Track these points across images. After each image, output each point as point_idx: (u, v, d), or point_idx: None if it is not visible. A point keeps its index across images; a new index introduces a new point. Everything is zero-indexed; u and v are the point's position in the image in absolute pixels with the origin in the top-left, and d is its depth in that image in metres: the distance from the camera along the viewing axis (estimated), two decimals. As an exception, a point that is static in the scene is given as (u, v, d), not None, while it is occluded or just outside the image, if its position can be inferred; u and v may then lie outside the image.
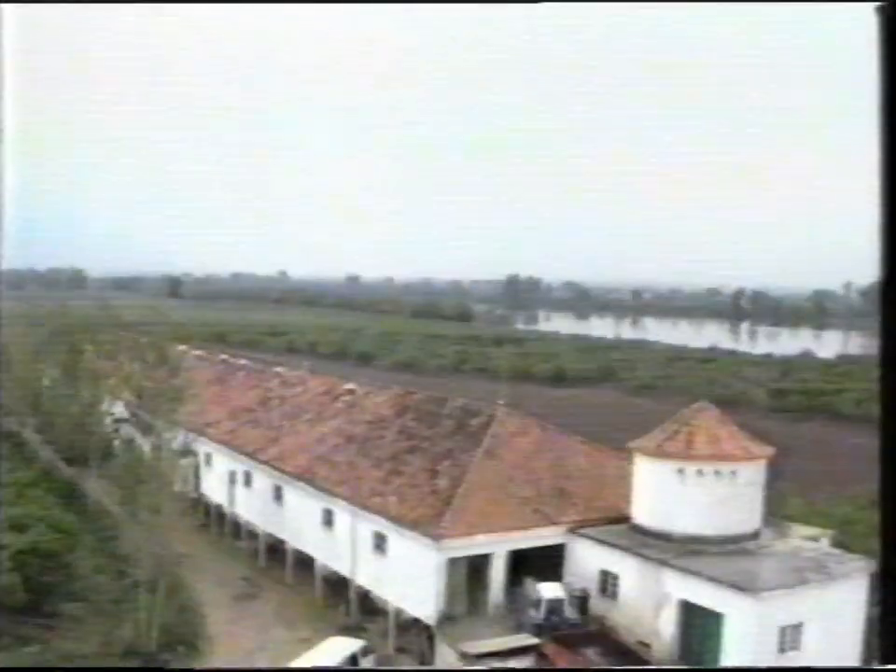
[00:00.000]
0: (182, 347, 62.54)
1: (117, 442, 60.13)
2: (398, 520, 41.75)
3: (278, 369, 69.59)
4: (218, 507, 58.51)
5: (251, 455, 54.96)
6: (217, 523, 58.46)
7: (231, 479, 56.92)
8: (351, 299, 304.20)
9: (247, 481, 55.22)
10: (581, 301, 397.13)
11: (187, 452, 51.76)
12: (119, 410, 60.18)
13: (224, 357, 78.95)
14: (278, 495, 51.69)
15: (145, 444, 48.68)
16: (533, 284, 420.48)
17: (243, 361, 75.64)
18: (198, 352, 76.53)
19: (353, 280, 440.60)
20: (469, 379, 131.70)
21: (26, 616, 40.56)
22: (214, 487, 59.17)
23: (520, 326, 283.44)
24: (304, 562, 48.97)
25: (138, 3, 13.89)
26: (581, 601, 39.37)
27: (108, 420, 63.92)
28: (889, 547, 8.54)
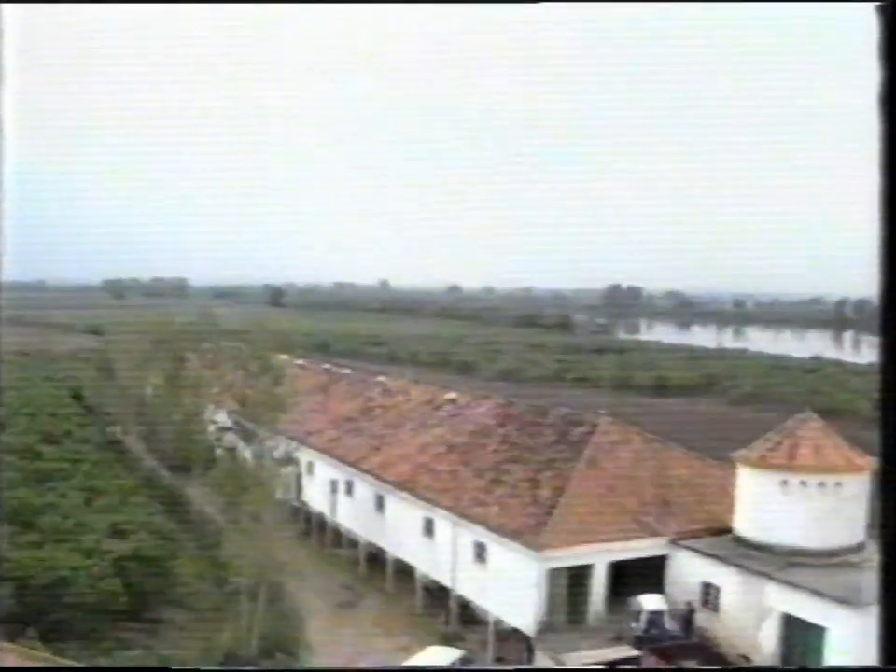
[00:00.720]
0: (285, 356, 63.45)
1: (219, 450, 61.05)
2: (499, 530, 42.15)
3: (380, 378, 70.26)
4: (320, 515, 59.33)
5: (353, 464, 55.72)
6: (318, 531, 59.27)
7: (333, 487, 57.73)
8: (452, 308, 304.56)
9: (349, 489, 55.99)
10: (683, 310, 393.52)
11: (289, 460, 52.47)
12: (222, 418, 61.19)
13: (327, 366, 79.85)
14: (380, 503, 52.38)
15: (247, 453, 49.54)
16: (634, 293, 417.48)
17: (345, 370, 76.46)
18: (300, 361, 77.51)
19: (454, 289, 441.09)
20: (571, 388, 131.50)
21: (128, 621, 41.55)
22: (315, 496, 60.04)
23: (621, 335, 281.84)
24: (404, 571, 49.57)
25: (139, 3, 13.97)
26: (687, 615, 39.33)
27: (211, 428, 65.00)
28: (889, 547, 8.62)
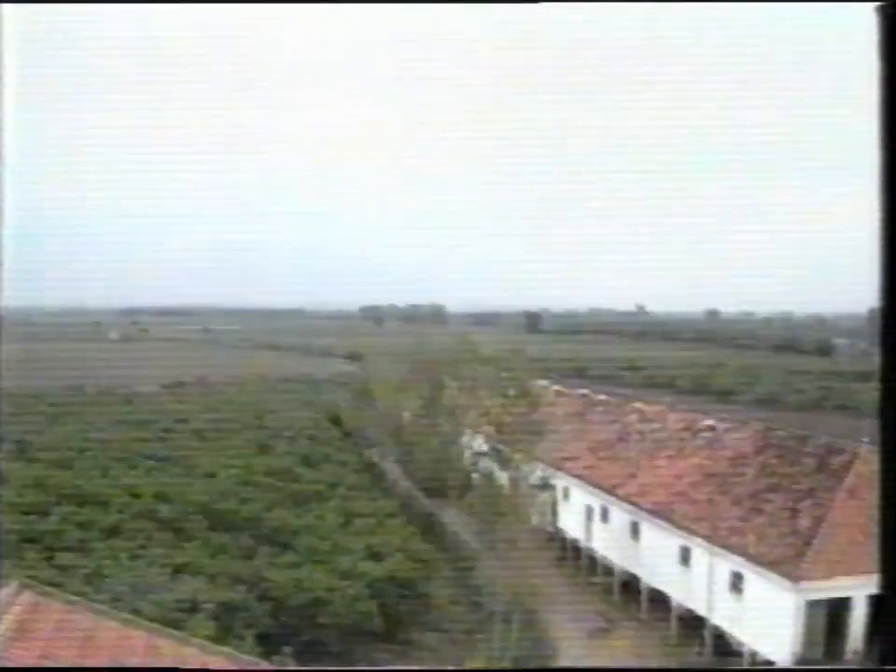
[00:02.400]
0: (542, 382, 64.50)
1: (475, 475, 62.37)
2: (756, 559, 42.22)
3: (637, 403, 70.55)
4: (574, 541, 60.10)
5: (609, 491, 56.38)
6: (572, 557, 59.97)
7: (588, 514, 58.47)
8: (710, 332, 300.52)
9: (604, 516, 56.65)
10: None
11: (545, 486, 53.51)
12: (479, 443, 62.64)
13: (583, 391, 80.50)
14: (635, 531, 52.92)
15: (503, 478, 50.81)
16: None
17: (602, 396, 76.93)
18: (557, 386, 78.43)
19: (712, 314, 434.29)
20: (832, 416, 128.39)
21: (381, 642, 43.04)
22: (570, 522, 60.83)
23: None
24: (658, 599, 49.94)
25: (140, 3, 14.59)
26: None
27: (468, 453, 66.49)
28: (888, 547, 8.65)
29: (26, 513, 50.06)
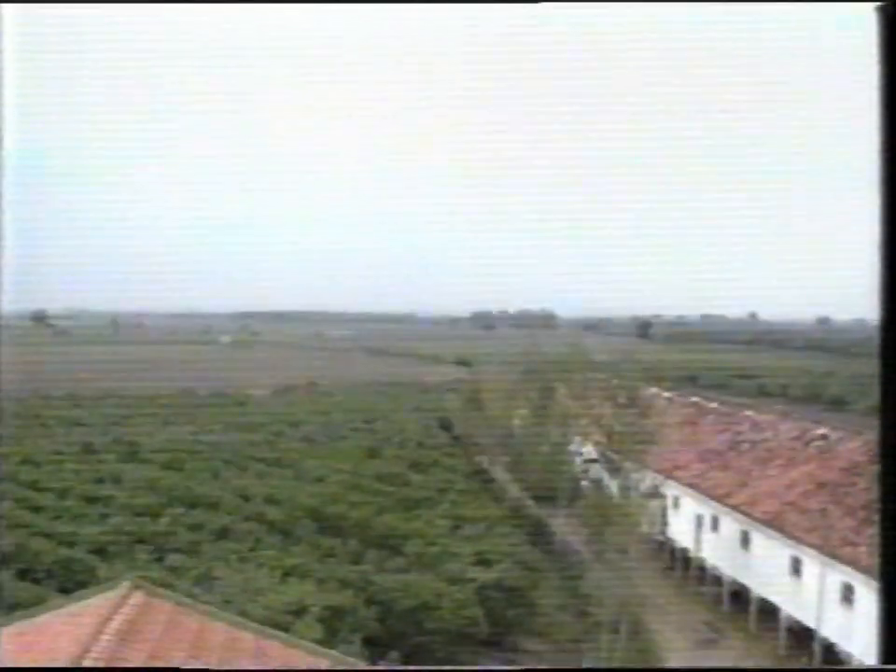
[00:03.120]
0: (653, 389, 64.20)
1: (585, 483, 62.25)
2: (868, 571, 41.51)
3: (748, 412, 69.90)
4: (684, 551, 59.70)
5: (719, 500, 55.89)
6: (681, 567, 59.57)
7: (698, 523, 58.09)
8: (822, 340, 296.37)
9: (714, 525, 56.20)
10: None
11: (655, 494, 53.23)
12: (588, 450, 62.53)
13: (694, 399, 79.94)
14: (745, 540, 52.43)
15: (613, 486, 50.70)
16: None
17: (713, 404, 76.35)
18: (668, 394, 77.94)
19: (823, 321, 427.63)
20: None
21: (488, 648, 43.11)
22: (680, 531, 60.46)
23: None
24: (767, 610, 49.41)
25: (141, 3, 14.52)
26: None
27: (577, 460, 66.42)
28: (888, 547, 8.42)
29: (138, 515, 51.06)
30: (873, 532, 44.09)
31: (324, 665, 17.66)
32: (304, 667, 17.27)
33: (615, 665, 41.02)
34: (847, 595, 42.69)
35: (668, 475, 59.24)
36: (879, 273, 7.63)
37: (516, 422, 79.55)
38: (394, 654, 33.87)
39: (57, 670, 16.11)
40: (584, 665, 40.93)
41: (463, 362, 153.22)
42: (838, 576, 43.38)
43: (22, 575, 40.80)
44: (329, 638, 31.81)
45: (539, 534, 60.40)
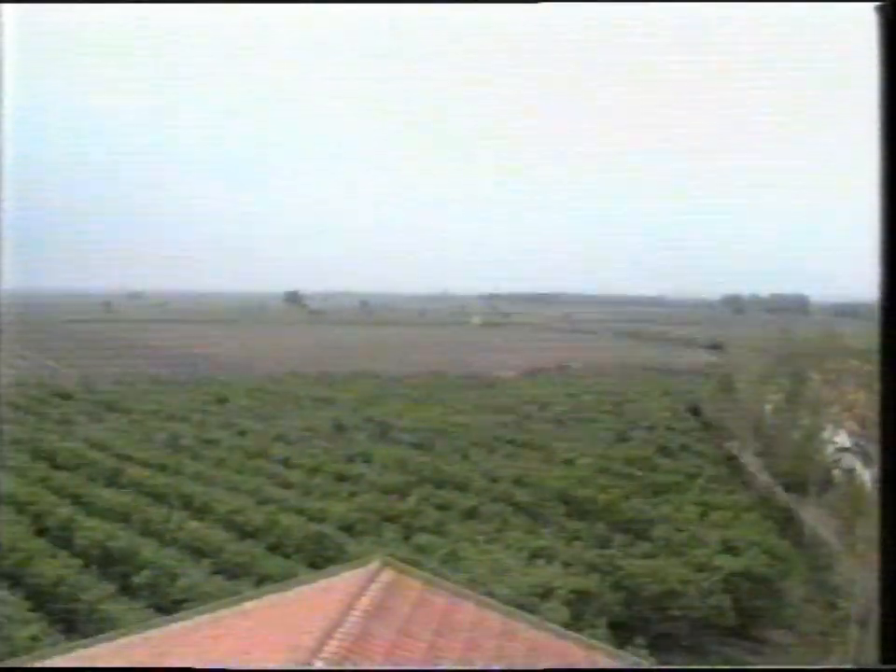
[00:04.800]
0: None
1: (836, 472, 60.76)
2: None
3: None
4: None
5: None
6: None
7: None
8: None
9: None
10: None
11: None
12: (842, 439, 60.90)
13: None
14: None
15: (865, 475, 49.26)
16: None
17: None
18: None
19: None
20: None
21: (733, 638, 42.30)
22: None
23: None
24: None
25: (141, 3, 14.01)
26: None
27: (830, 449, 64.76)
28: (888, 547, 7.69)
29: (386, 492, 52.15)
30: None
31: (572, 649, 17.71)
32: (552, 651, 17.36)
33: (862, 660, 39.95)
34: None
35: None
36: (879, 274, 7.39)
37: (767, 408, 78.22)
38: (639, 640, 33.64)
39: (50, 670, 16.49)
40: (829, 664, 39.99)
41: (714, 346, 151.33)
42: None
43: (272, 549, 42.13)
44: (575, 622, 31.90)
45: (788, 523, 59.06)
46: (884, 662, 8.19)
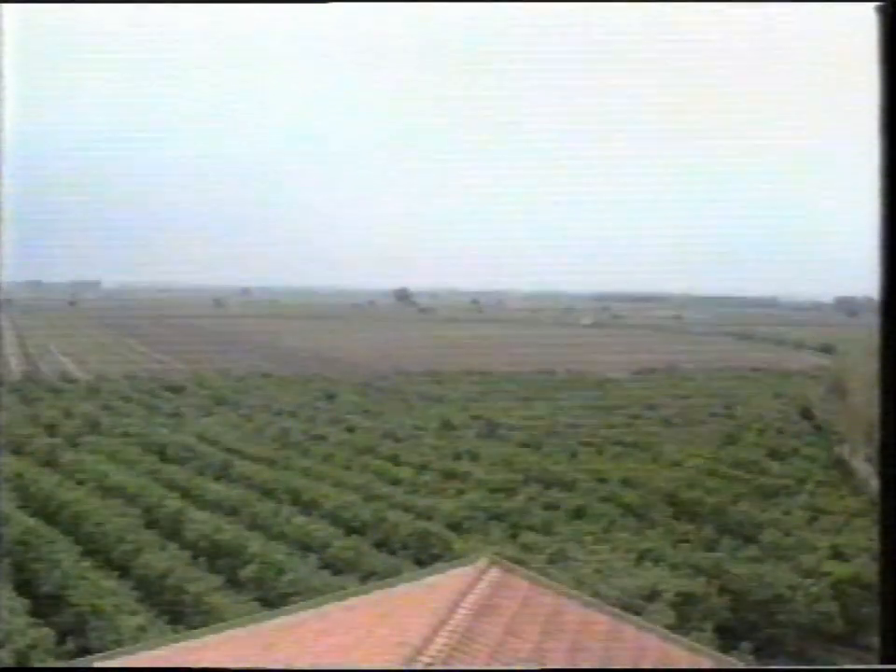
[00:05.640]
0: None
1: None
2: None
3: None
4: None
5: None
6: None
7: None
8: None
9: None
10: None
11: None
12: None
13: None
14: None
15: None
16: None
17: None
18: None
19: None
20: None
21: (839, 645, 41.44)
22: None
23: None
24: None
25: (141, 3, 13.93)
26: None
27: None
28: (888, 546, 7.43)
29: (494, 491, 52.12)
30: None
31: (676, 652, 17.64)
32: (657, 654, 17.28)
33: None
34: None
35: None
36: (879, 273, 7.30)
37: (877, 412, 76.66)
38: (745, 645, 33.31)
39: (52, 670, 16.47)
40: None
41: (826, 349, 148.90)
42: None
43: (379, 545, 42.32)
44: (681, 625, 31.65)
45: (900, 529, 57.88)
46: (884, 661, 8.15)
